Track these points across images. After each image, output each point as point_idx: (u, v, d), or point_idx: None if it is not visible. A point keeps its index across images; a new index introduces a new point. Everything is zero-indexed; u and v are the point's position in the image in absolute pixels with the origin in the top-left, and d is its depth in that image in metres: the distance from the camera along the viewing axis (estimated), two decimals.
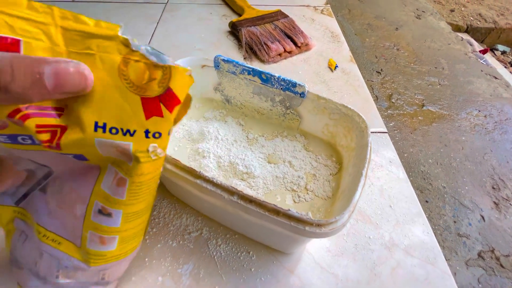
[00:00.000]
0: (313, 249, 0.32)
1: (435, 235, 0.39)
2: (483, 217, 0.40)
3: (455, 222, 0.40)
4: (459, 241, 0.38)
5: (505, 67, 1.05)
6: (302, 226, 0.20)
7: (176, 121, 0.16)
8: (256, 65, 0.57)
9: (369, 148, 0.24)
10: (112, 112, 0.14)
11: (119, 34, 0.14)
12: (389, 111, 0.54)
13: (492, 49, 1.15)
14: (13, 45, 0.12)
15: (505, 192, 0.43)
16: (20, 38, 0.13)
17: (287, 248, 0.27)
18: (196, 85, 0.36)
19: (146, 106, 0.14)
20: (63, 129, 0.15)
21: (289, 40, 0.58)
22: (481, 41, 1.12)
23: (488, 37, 1.12)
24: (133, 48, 0.14)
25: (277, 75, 0.29)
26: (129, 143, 0.15)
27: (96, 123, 0.14)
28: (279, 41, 0.57)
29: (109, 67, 0.14)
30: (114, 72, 0.14)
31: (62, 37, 0.14)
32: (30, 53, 0.13)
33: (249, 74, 0.30)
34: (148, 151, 0.15)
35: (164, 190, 0.35)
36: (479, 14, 1.12)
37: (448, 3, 1.14)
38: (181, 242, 0.31)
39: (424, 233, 0.35)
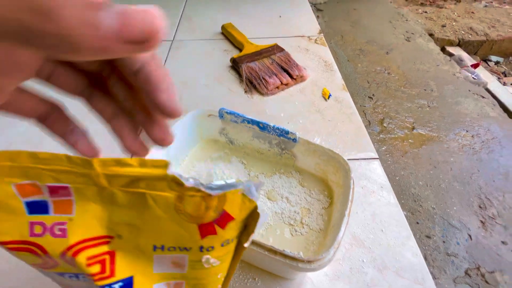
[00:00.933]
0: (313, 274, 0.36)
1: (425, 255, 0.43)
2: (470, 236, 0.44)
3: (444, 242, 0.43)
4: (447, 260, 0.41)
5: (499, 78, 1.09)
6: (295, 263, 0.24)
7: (249, 233, 0.17)
8: (256, 97, 0.62)
9: (351, 190, 0.28)
10: (169, 238, 0.16)
11: (168, 172, 0.14)
12: (381, 135, 0.58)
13: (486, 60, 1.19)
14: (63, 190, 0.14)
15: (491, 210, 0.47)
16: (67, 184, 0.14)
17: (289, 275, 0.32)
18: (203, 129, 0.41)
19: (202, 229, 0.16)
20: (112, 254, 0.16)
21: (285, 73, 0.63)
22: (474, 53, 1.16)
23: (481, 49, 1.16)
24: (186, 185, 0.14)
25: (272, 124, 0.34)
26: (185, 256, 0.16)
27: (154, 246, 0.16)
28: (276, 75, 0.62)
29: (163, 205, 0.15)
30: (170, 209, 0.15)
31: (106, 180, 0.14)
32: (81, 195, 0.14)
33: (248, 123, 0.35)
34: (201, 261, 0.17)
35: None
36: (470, 28, 1.16)
37: (440, 18, 1.19)
38: None
39: (413, 255, 0.39)
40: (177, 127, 0.36)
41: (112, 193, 0.15)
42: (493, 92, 0.83)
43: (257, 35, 0.80)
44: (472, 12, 1.26)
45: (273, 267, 0.30)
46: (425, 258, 0.42)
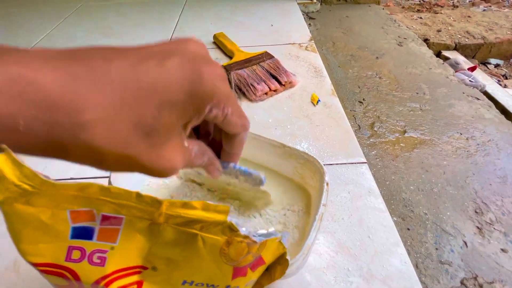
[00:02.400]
0: (295, 283, 0.34)
1: (417, 263, 0.41)
2: (465, 243, 0.41)
3: (437, 249, 0.41)
4: (441, 268, 0.39)
5: (498, 80, 1.06)
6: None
7: (272, 278, 0.18)
8: (245, 104, 0.62)
9: (324, 192, 0.27)
10: (202, 275, 0.16)
11: (228, 220, 0.15)
12: (371, 140, 0.56)
13: (485, 64, 1.17)
14: (115, 219, 0.14)
15: (489, 216, 0.44)
16: (123, 216, 0.14)
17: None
18: None
19: (236, 271, 0.16)
20: (139, 284, 0.16)
21: (274, 80, 0.63)
22: (472, 57, 1.15)
23: (479, 52, 1.15)
24: (240, 233, 0.15)
25: (232, 164, 0.25)
26: None
27: (184, 281, 0.16)
28: (264, 81, 0.62)
29: (210, 247, 0.15)
30: (215, 251, 0.15)
31: (165, 218, 0.15)
32: (130, 225, 0.15)
33: None
34: None
35: None
36: (467, 32, 1.15)
37: (435, 23, 1.19)
38: None
39: (402, 262, 0.37)
40: None
41: (163, 229, 0.15)
42: (492, 94, 0.81)
43: (248, 44, 0.80)
44: (469, 16, 1.26)
45: None
46: (416, 266, 0.40)
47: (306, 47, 0.77)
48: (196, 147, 0.18)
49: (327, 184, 0.28)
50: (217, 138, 0.22)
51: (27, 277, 0.35)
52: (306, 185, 0.34)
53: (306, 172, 0.33)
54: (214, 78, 0.15)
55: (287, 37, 0.83)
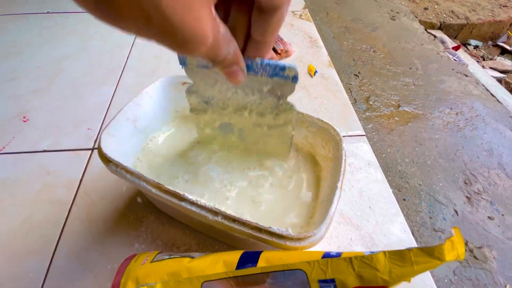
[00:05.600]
0: None
1: (413, 231, 0.42)
2: (456, 212, 0.43)
3: (430, 218, 0.42)
4: (434, 236, 0.40)
5: (478, 61, 1.11)
6: (283, 241, 0.21)
7: None
8: None
9: (343, 161, 0.26)
10: None
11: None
12: (367, 113, 0.56)
13: (465, 44, 1.20)
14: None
15: (477, 186, 0.46)
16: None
17: None
18: (177, 102, 0.35)
19: None
20: None
21: None
22: (454, 37, 1.17)
23: (461, 33, 1.17)
24: None
25: (259, 60, 0.20)
26: None
27: None
28: None
29: None
30: None
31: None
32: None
33: None
34: None
35: (151, 205, 0.36)
36: (452, 11, 1.17)
37: (422, 1, 1.19)
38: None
39: (402, 231, 0.37)
40: (144, 98, 0.31)
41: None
42: (473, 74, 0.84)
43: None
44: None
45: (258, 248, 0.27)
46: (412, 234, 0.41)
47: (300, 15, 0.73)
48: (223, 27, 0.15)
49: (345, 152, 0.27)
50: (233, 26, 0.17)
51: None
52: (315, 155, 0.33)
53: (318, 140, 0.31)
54: None
55: None
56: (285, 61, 0.61)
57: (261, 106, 0.26)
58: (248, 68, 0.20)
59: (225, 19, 0.17)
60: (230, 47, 0.16)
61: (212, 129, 0.30)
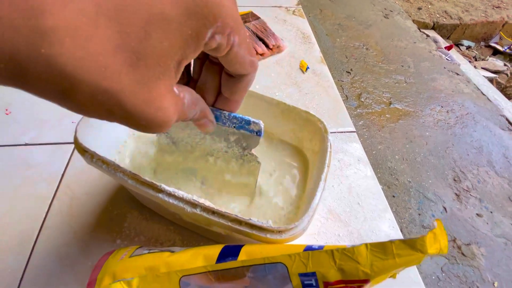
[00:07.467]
0: None
1: (402, 228, 0.42)
2: (445, 209, 0.43)
3: (419, 214, 0.42)
4: (423, 232, 0.40)
5: (470, 61, 1.11)
6: (264, 233, 0.20)
7: None
8: None
9: (328, 153, 0.25)
10: None
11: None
12: (358, 110, 0.55)
13: (458, 45, 1.21)
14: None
15: (466, 183, 0.46)
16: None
17: None
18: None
19: None
20: None
21: (261, 43, 0.59)
22: (447, 37, 1.18)
23: (454, 33, 1.18)
24: None
25: (227, 112, 0.21)
26: None
27: None
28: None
29: None
30: None
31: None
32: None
33: None
34: None
35: (134, 200, 0.35)
36: (445, 11, 1.17)
37: (416, 1, 1.19)
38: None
39: (390, 227, 0.37)
40: None
41: None
42: (465, 73, 0.85)
43: None
44: None
45: (237, 242, 0.27)
46: (401, 231, 0.41)
47: (294, 11, 0.73)
48: (188, 95, 0.15)
49: (331, 145, 0.26)
50: (204, 83, 0.18)
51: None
52: (303, 149, 0.32)
53: (305, 133, 0.30)
54: None
55: None
56: (277, 56, 0.60)
57: (227, 155, 0.27)
58: (217, 118, 0.22)
59: (199, 72, 0.19)
60: (197, 108, 0.16)
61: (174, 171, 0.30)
